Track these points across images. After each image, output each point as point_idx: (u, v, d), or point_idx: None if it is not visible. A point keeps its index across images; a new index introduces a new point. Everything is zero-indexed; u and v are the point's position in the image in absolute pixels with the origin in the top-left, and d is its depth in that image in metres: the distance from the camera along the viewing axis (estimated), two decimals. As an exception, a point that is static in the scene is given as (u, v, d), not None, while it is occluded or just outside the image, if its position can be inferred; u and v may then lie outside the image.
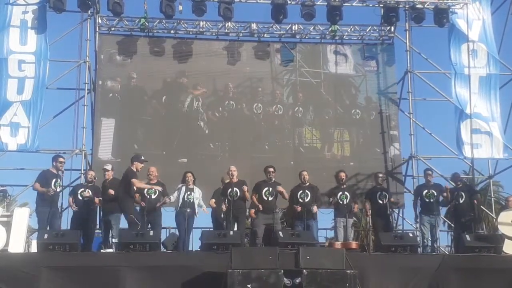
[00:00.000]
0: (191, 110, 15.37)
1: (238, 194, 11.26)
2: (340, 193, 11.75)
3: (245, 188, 11.30)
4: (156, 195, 11.27)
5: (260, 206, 11.28)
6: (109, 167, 11.67)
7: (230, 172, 11.42)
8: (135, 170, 10.90)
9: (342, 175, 11.99)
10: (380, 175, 12.58)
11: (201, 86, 15.52)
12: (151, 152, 14.59)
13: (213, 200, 11.74)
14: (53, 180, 11.07)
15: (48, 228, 10.69)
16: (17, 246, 10.11)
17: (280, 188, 11.40)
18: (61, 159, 11.40)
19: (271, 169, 11.49)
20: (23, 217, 10.48)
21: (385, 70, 16.07)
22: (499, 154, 14.40)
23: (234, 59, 15.80)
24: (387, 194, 12.09)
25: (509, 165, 14.85)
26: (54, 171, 11.23)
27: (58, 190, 11.16)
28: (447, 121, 16.96)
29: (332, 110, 15.84)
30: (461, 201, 11.76)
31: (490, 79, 14.78)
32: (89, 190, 11.34)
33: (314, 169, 14.10)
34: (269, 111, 15.67)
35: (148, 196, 11.14)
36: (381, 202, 11.93)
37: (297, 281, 8.84)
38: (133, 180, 10.76)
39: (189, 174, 11.43)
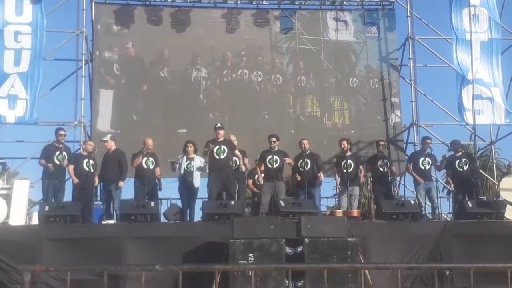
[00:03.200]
0: (190, 80, 15.22)
1: (238, 164, 11.23)
2: (344, 161, 11.63)
3: (246, 160, 11.27)
4: (154, 165, 11.21)
5: (261, 178, 11.23)
6: (107, 137, 11.54)
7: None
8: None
9: (344, 143, 11.84)
10: (382, 142, 12.49)
11: (200, 55, 15.35)
12: (150, 123, 14.56)
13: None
14: (56, 153, 11.01)
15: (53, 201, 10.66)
16: (18, 218, 10.12)
17: (288, 160, 11.31)
18: (61, 132, 11.33)
19: (273, 139, 11.41)
20: (23, 189, 10.48)
21: (386, 36, 15.87)
22: (500, 120, 14.31)
23: (232, 27, 15.59)
24: (388, 162, 12.04)
25: (511, 131, 14.76)
26: (57, 144, 11.17)
27: (61, 163, 11.03)
28: (448, 87, 16.87)
29: (332, 78, 15.69)
30: (465, 169, 11.69)
31: (491, 44, 14.59)
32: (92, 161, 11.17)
33: (315, 138, 14.03)
34: (268, 80, 15.53)
35: (146, 167, 11.09)
36: (382, 170, 11.88)
37: (299, 249, 8.85)
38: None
39: (189, 144, 11.38)
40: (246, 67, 15.55)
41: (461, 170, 11.71)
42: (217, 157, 10.96)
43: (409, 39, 15.45)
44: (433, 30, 15.51)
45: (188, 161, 11.25)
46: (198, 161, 11.42)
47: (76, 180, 10.93)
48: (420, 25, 15.68)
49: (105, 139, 11.53)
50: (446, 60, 15.18)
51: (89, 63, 14.79)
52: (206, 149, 11.06)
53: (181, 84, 15.22)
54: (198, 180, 11.44)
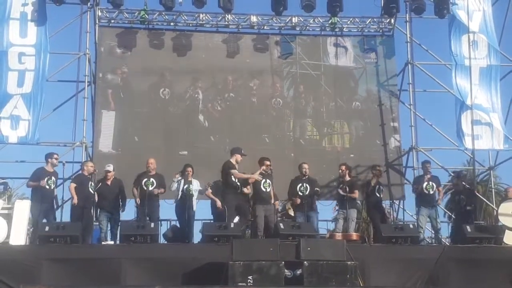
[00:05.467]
0: (191, 103, 15.33)
1: (240, 188, 11.31)
2: (341, 185, 11.89)
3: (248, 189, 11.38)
4: (154, 186, 11.31)
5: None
6: (111, 168, 11.68)
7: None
8: (234, 162, 11.06)
9: (343, 168, 12.08)
10: (379, 167, 12.62)
11: (201, 79, 15.49)
12: (151, 145, 14.63)
13: (210, 190, 11.78)
14: (46, 178, 11.11)
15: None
16: (18, 238, 10.13)
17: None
18: (55, 156, 11.48)
19: (268, 162, 11.49)
20: (24, 209, 10.50)
21: (385, 62, 16.01)
22: (499, 145, 14.39)
23: (233, 52, 15.74)
24: (382, 188, 12.29)
25: (510, 156, 14.83)
26: (48, 169, 11.28)
27: (51, 187, 11.18)
28: (447, 112, 16.95)
29: (332, 102, 15.80)
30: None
31: (490, 70, 14.74)
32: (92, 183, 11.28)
33: (314, 161, 14.11)
34: (269, 104, 15.64)
35: (145, 188, 11.19)
36: (378, 195, 12.04)
37: (298, 272, 8.88)
38: (233, 170, 10.89)
39: (189, 169, 11.57)
40: (247, 91, 15.68)
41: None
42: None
43: (409, 64, 15.60)
44: (432, 56, 15.66)
45: (187, 185, 11.35)
46: (196, 184, 11.52)
47: (75, 201, 10.99)
48: (420, 50, 15.85)
49: (109, 168, 11.64)
50: (446, 85, 15.30)
51: (91, 84, 14.92)
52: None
53: (182, 107, 15.32)
54: (195, 204, 11.58)
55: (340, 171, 12.08)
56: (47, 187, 11.05)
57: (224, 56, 15.65)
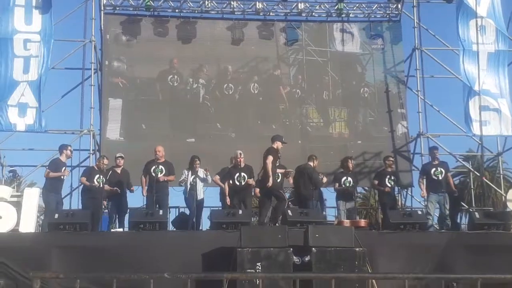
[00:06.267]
0: (197, 90, 15.31)
1: (246, 179, 11.33)
2: (344, 178, 12.21)
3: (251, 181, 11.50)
4: (163, 174, 11.37)
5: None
6: (121, 154, 11.87)
7: (238, 158, 11.51)
8: (276, 147, 10.98)
9: (350, 165, 12.35)
10: (391, 159, 12.62)
11: (206, 67, 15.45)
12: (159, 132, 14.65)
13: (218, 177, 11.85)
14: (63, 168, 11.35)
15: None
16: (27, 226, 10.18)
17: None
18: (70, 147, 11.73)
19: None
20: (33, 197, 10.57)
21: (391, 47, 15.93)
22: (508, 131, 14.30)
23: (238, 39, 15.66)
24: (395, 178, 12.30)
25: (518, 142, 14.78)
26: (63, 160, 11.46)
27: (63, 178, 11.46)
28: (455, 98, 16.91)
29: (339, 89, 15.74)
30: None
31: (498, 55, 14.63)
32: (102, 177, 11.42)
33: (321, 148, 14.14)
34: (275, 91, 15.60)
35: (154, 175, 11.22)
36: (389, 185, 12.06)
37: (306, 259, 8.90)
38: (269, 156, 10.66)
39: (196, 160, 11.58)
40: (253, 78, 15.63)
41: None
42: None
43: (416, 50, 15.50)
44: (440, 41, 15.57)
45: (194, 175, 11.41)
46: (202, 173, 11.60)
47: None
48: (427, 36, 15.76)
49: (121, 155, 11.78)
50: (453, 71, 15.23)
51: (98, 72, 14.90)
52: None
53: (189, 94, 15.31)
54: (202, 192, 11.64)
55: (347, 166, 12.28)
56: (62, 177, 11.28)
57: (229, 43, 15.59)
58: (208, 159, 12.56)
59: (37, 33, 13.84)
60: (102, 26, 15.15)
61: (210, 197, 12.29)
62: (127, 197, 11.79)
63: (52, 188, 11.05)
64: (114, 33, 15.29)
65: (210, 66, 15.46)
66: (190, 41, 15.48)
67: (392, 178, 12.22)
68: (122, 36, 15.30)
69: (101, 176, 11.32)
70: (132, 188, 11.81)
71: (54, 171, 11.22)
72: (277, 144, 10.93)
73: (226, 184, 11.46)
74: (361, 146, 15.06)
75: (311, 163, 11.96)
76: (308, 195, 11.62)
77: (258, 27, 15.79)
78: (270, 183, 10.45)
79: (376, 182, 12.42)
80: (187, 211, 11.89)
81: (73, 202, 12.37)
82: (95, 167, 11.68)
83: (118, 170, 11.62)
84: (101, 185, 11.22)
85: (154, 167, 11.35)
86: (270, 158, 10.53)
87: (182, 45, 15.45)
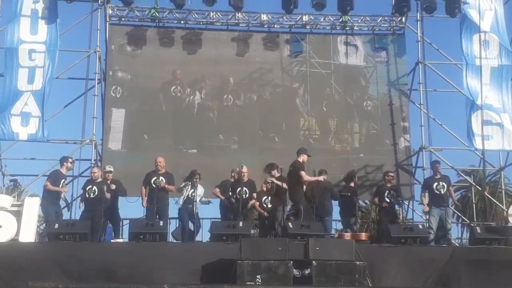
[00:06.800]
0: (201, 101, 15.34)
1: (247, 194, 11.39)
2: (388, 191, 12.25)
3: (253, 201, 11.58)
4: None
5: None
6: (111, 168, 11.86)
7: (242, 173, 11.57)
8: (302, 161, 11.19)
9: (353, 183, 12.53)
10: (391, 174, 12.60)
11: (210, 77, 15.48)
12: (161, 143, 14.67)
13: (218, 190, 11.84)
14: (62, 181, 11.43)
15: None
16: (27, 235, 10.17)
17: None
18: (70, 160, 11.78)
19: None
20: (33, 207, 10.57)
21: (395, 61, 15.95)
22: (510, 146, 14.27)
23: (243, 50, 15.72)
24: (394, 193, 12.25)
25: (521, 157, 14.74)
26: (64, 172, 11.57)
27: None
28: (458, 112, 16.89)
29: (342, 101, 15.76)
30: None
31: (502, 70, 14.63)
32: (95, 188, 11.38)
33: (323, 160, 14.09)
34: (278, 102, 15.63)
35: (155, 186, 11.22)
36: (388, 200, 12.05)
37: (307, 272, 8.88)
38: (302, 172, 11.08)
39: (197, 176, 11.54)
40: (256, 89, 15.67)
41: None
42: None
43: (419, 64, 15.51)
44: (443, 55, 15.57)
45: (192, 190, 11.45)
46: (200, 189, 11.63)
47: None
48: (430, 50, 15.75)
49: (110, 169, 11.77)
50: (456, 85, 15.22)
51: (101, 82, 14.96)
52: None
53: (192, 105, 15.32)
54: (197, 207, 11.65)
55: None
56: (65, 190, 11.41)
57: (233, 54, 15.64)
58: (210, 170, 12.58)
59: (43, 43, 13.93)
60: (107, 36, 15.23)
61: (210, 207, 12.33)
62: (118, 207, 11.80)
63: (51, 199, 11.07)
64: (119, 43, 15.37)
65: (213, 77, 15.49)
66: (195, 52, 15.54)
67: (392, 193, 12.18)
68: (127, 46, 15.36)
69: (93, 187, 11.26)
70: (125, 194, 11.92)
71: (53, 182, 11.26)
72: (303, 158, 11.32)
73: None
74: (364, 159, 15.05)
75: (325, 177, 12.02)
76: (328, 211, 11.92)
77: (263, 39, 15.86)
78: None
79: (376, 198, 12.37)
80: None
81: (73, 212, 12.33)
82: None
83: (108, 182, 11.61)
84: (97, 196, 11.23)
85: (154, 178, 11.36)
86: (303, 173, 11.08)
87: (187, 55, 15.50)
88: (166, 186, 11.38)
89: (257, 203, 11.69)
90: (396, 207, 12.44)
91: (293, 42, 15.95)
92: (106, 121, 14.72)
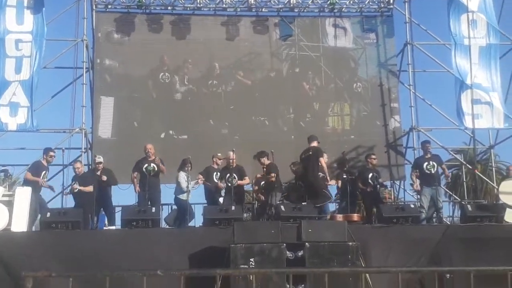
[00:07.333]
0: (190, 87, 15.27)
1: (236, 180, 11.39)
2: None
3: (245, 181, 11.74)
4: (155, 172, 11.35)
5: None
6: (101, 159, 11.85)
7: (230, 159, 11.58)
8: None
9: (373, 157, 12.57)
10: (373, 156, 12.63)
11: (199, 62, 15.40)
12: (151, 130, 14.62)
13: (201, 176, 11.86)
14: (43, 172, 11.34)
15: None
16: (19, 225, 10.14)
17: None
18: (51, 153, 11.67)
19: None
20: (25, 196, 10.51)
21: (384, 42, 15.92)
22: (499, 124, 14.34)
23: (232, 35, 15.64)
24: (377, 175, 12.30)
25: (510, 135, 14.81)
26: (45, 163, 11.47)
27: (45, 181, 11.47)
28: (447, 92, 16.91)
29: (332, 83, 15.74)
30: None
31: (490, 49, 14.64)
32: (77, 183, 11.41)
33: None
34: (268, 86, 15.58)
35: (146, 173, 11.22)
36: (371, 183, 12.07)
37: (300, 254, 8.90)
38: (321, 159, 11.57)
39: (188, 164, 11.56)
40: (246, 73, 15.60)
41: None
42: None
43: (408, 45, 15.51)
44: (431, 36, 15.58)
45: (189, 176, 11.49)
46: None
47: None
48: (419, 31, 15.76)
49: (99, 160, 11.77)
50: (445, 65, 15.23)
51: (90, 70, 14.86)
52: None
53: (182, 91, 15.25)
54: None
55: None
56: (40, 184, 11.27)
57: (223, 38, 15.55)
58: (200, 155, 12.54)
59: (29, 33, 13.81)
60: (94, 24, 15.10)
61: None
62: (111, 196, 11.80)
63: (33, 190, 11.01)
64: (106, 31, 15.23)
65: (202, 62, 15.41)
66: (184, 37, 15.43)
67: (375, 175, 12.21)
68: (114, 34, 15.22)
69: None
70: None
71: (34, 173, 11.26)
72: (316, 144, 11.75)
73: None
74: (355, 141, 15.08)
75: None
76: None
77: (252, 22, 15.76)
78: (330, 181, 11.78)
79: (360, 181, 12.28)
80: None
81: (64, 201, 12.31)
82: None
83: (98, 173, 11.60)
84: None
85: (146, 165, 11.35)
86: (323, 160, 11.56)
87: (176, 41, 15.39)
88: (162, 167, 11.40)
89: (256, 187, 11.74)
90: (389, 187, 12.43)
91: (281, 25, 15.87)
92: (95, 110, 14.63)
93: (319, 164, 11.53)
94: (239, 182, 11.62)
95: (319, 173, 11.59)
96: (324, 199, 11.35)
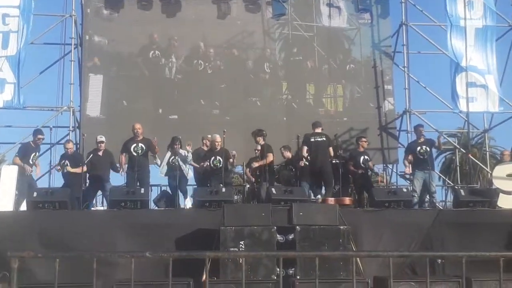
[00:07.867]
0: (180, 66, 15.01)
1: (221, 163, 11.20)
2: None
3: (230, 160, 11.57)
4: (143, 152, 11.18)
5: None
6: (103, 138, 11.59)
7: (216, 142, 11.40)
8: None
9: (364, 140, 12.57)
10: (364, 139, 12.50)
11: (190, 41, 15.14)
12: (140, 109, 14.40)
13: (190, 142, 11.78)
14: (32, 155, 11.14)
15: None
16: (6, 204, 9.96)
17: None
18: (39, 136, 11.46)
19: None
20: (11, 175, 10.32)
21: (379, 22, 15.70)
22: (494, 108, 14.20)
23: (224, 13, 15.34)
24: (368, 158, 12.22)
25: (505, 118, 14.69)
26: (33, 145, 11.29)
27: (33, 163, 11.22)
28: (442, 74, 16.79)
29: (325, 64, 15.53)
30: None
31: (486, 31, 14.45)
32: (67, 162, 11.24)
33: (307, 125, 13.88)
34: (261, 66, 15.36)
35: (135, 154, 11.04)
36: (363, 166, 11.96)
37: (290, 237, 8.79)
38: (331, 148, 11.84)
39: (178, 142, 11.42)
40: (237, 53, 15.36)
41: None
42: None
43: (403, 26, 15.30)
44: (427, 17, 15.37)
45: (173, 156, 11.35)
46: (183, 153, 11.48)
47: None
48: (414, 11, 15.55)
49: (101, 139, 11.50)
50: (440, 47, 15.05)
51: (78, 47, 14.57)
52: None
53: (172, 70, 15.00)
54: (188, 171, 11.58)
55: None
56: (31, 162, 11.09)
57: (214, 17, 15.26)
58: (191, 136, 12.34)
59: (16, 7, 13.50)
60: (82, 0, 14.78)
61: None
62: (109, 179, 11.58)
63: (22, 171, 10.83)
64: (95, 7, 14.92)
65: (193, 41, 15.14)
66: (174, 15, 15.14)
67: (366, 158, 12.11)
68: (103, 10, 14.91)
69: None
70: (119, 169, 11.56)
71: (22, 156, 11.05)
72: (320, 130, 11.87)
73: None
74: (347, 123, 14.92)
75: None
76: None
77: (244, 0, 15.46)
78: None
79: (351, 163, 12.15)
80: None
81: (51, 180, 12.13)
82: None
83: (100, 153, 11.40)
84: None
85: (134, 145, 11.17)
86: (332, 149, 11.80)
87: (166, 19, 15.10)
88: (156, 146, 11.28)
89: (247, 170, 11.60)
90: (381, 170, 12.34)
91: (274, 4, 15.58)
92: (83, 87, 14.38)
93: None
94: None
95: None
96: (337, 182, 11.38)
